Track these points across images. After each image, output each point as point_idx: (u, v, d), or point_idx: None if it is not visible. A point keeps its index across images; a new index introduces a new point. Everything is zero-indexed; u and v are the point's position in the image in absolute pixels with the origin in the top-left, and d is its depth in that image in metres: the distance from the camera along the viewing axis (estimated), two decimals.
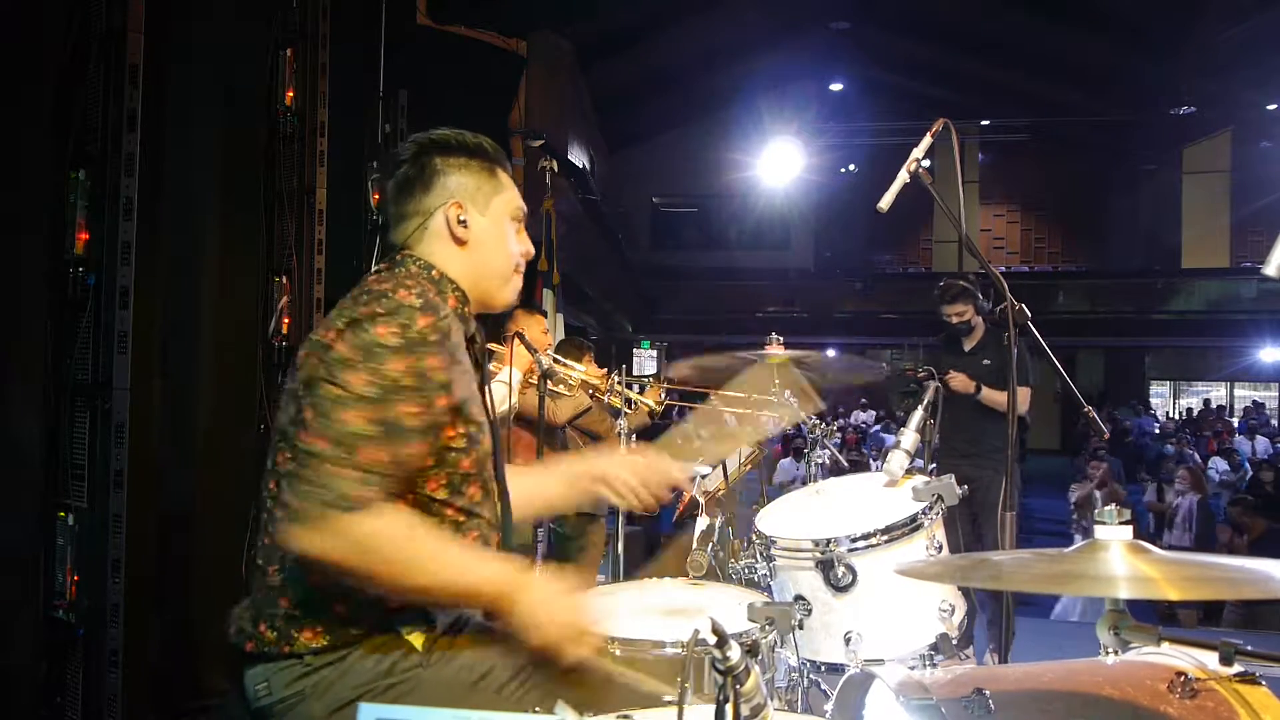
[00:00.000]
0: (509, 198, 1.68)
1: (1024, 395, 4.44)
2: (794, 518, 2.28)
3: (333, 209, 4.16)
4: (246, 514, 3.19)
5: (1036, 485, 12.71)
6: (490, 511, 1.63)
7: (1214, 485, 10.25)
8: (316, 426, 1.40)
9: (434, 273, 1.61)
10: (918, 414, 2.27)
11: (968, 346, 4.62)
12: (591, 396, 3.81)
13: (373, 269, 1.65)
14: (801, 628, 2.06)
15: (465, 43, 5.99)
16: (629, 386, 3.65)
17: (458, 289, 1.63)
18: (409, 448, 1.44)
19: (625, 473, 1.79)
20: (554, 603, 1.49)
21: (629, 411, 3.61)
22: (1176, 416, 19.38)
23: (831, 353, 14.41)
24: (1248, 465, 11.47)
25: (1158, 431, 14.85)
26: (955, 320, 4.57)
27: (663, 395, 3.73)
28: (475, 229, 1.63)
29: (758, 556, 2.16)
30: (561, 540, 4.33)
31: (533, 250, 1.74)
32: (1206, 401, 19.57)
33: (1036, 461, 13.32)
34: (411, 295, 1.48)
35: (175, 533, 3.28)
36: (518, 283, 1.72)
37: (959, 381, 4.36)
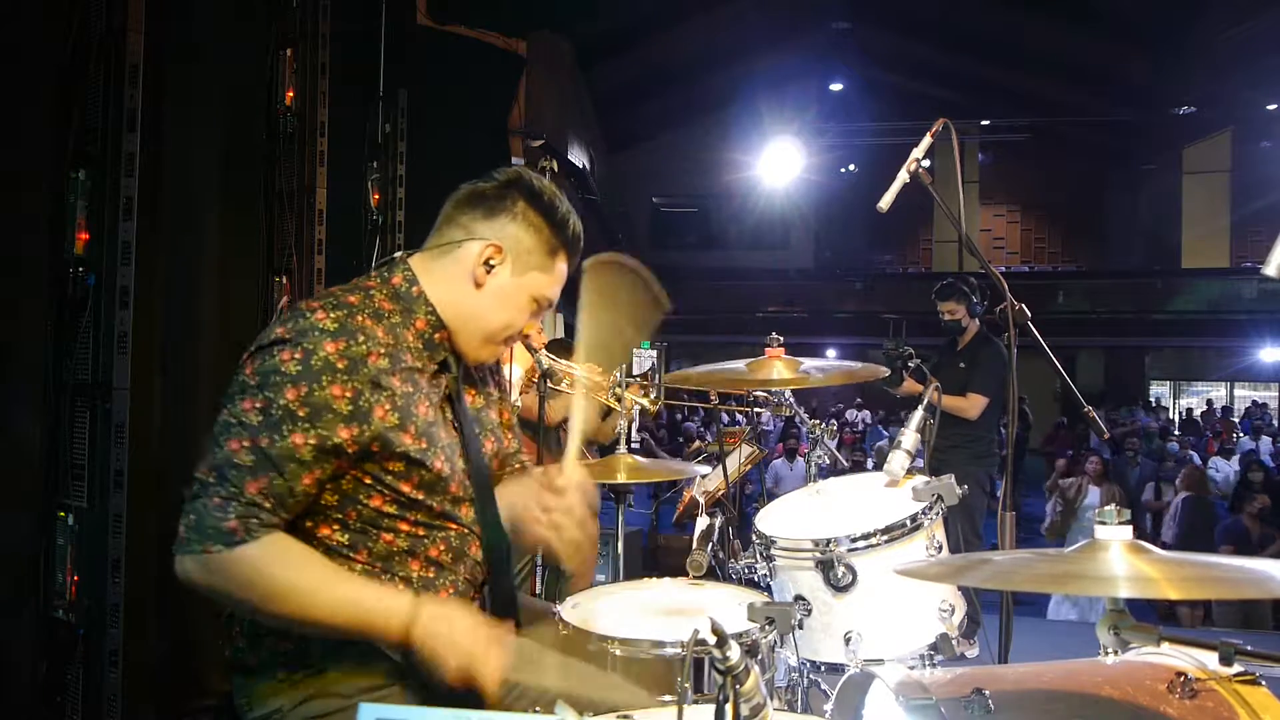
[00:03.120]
0: (548, 282, 1.61)
1: (976, 402, 4.49)
2: (794, 518, 2.28)
3: (333, 209, 4.16)
4: None
5: (1034, 486, 12.70)
6: (463, 526, 1.57)
7: (1217, 486, 10.23)
8: (208, 455, 1.39)
9: (414, 289, 1.55)
10: (918, 414, 2.27)
11: (959, 346, 4.72)
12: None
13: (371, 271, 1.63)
14: (801, 628, 2.06)
15: (465, 43, 5.99)
16: (629, 387, 3.64)
17: (433, 314, 1.56)
18: (296, 480, 1.39)
19: (534, 506, 1.61)
20: (452, 632, 1.41)
21: (623, 411, 3.61)
22: (1174, 418, 19.39)
23: (831, 353, 14.46)
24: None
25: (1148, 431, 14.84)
26: (947, 318, 4.67)
27: (656, 396, 3.72)
28: (496, 281, 1.57)
29: (758, 556, 2.16)
30: None
31: (532, 334, 1.70)
32: (1209, 402, 19.57)
33: (1036, 462, 13.32)
34: (329, 319, 1.43)
35: (175, 533, 3.27)
36: (497, 352, 1.67)
37: (907, 385, 4.44)
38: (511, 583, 1.71)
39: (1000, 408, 4.63)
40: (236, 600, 1.38)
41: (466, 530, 1.58)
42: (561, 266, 1.63)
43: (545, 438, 4.03)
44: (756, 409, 4.31)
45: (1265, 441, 14.04)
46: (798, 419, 2.62)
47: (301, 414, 1.38)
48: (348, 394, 1.41)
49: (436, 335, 1.57)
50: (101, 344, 2.80)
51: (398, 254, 1.62)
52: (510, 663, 1.45)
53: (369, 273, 1.61)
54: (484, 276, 1.56)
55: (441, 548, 1.55)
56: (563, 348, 4.06)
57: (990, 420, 4.63)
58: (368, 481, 1.47)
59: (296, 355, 1.40)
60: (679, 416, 14.41)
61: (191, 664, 3.23)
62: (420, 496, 1.51)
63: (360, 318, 1.46)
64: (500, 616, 1.63)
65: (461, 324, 1.58)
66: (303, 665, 1.47)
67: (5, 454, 2.70)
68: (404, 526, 1.51)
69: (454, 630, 1.41)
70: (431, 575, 1.54)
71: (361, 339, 1.44)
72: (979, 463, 4.54)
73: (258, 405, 1.38)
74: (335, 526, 1.48)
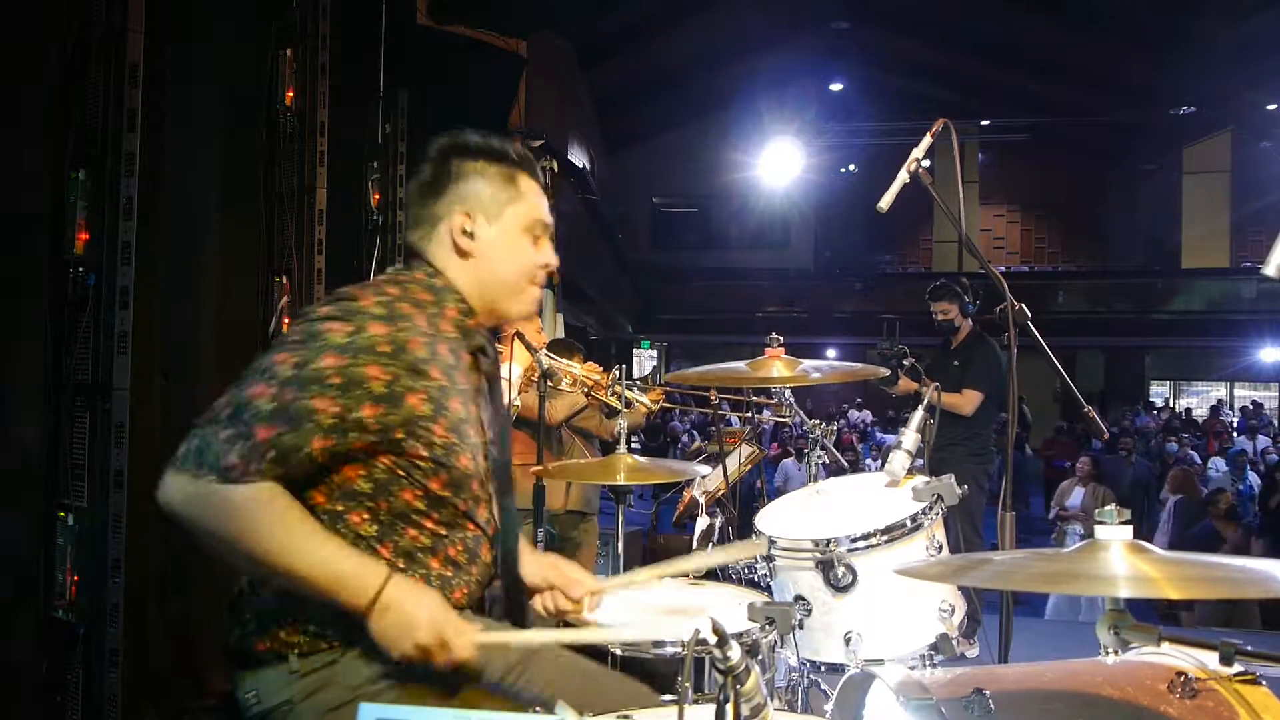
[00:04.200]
0: (526, 207, 1.60)
1: (971, 398, 4.53)
2: (794, 518, 2.28)
3: (333, 209, 4.16)
4: None
5: (1032, 486, 12.71)
6: (479, 527, 1.58)
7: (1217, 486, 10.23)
8: (230, 391, 1.39)
9: (437, 281, 1.57)
10: (918, 414, 2.27)
11: (952, 346, 4.77)
12: (587, 395, 3.81)
13: (388, 270, 1.63)
14: (801, 628, 2.06)
15: (465, 43, 5.99)
16: (629, 388, 3.65)
17: (461, 299, 1.58)
18: (307, 441, 1.38)
19: (547, 600, 1.67)
20: (415, 608, 1.40)
21: (626, 411, 3.61)
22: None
23: (831, 353, 14.46)
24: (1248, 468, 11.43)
25: (1144, 430, 14.84)
26: (940, 318, 4.73)
27: (655, 395, 3.73)
28: (483, 240, 1.57)
29: (758, 556, 2.16)
30: (553, 540, 4.32)
31: (555, 261, 1.66)
32: (1219, 401, 19.55)
33: (1034, 462, 13.33)
34: (375, 304, 1.45)
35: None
36: (534, 294, 1.65)
37: (902, 384, 4.48)
38: (523, 588, 1.70)
39: (995, 404, 4.69)
40: (211, 534, 1.36)
41: (480, 532, 1.59)
42: (526, 183, 1.61)
43: (546, 436, 4.03)
44: (757, 414, 4.31)
45: (1263, 441, 14.02)
46: (798, 420, 2.62)
47: (333, 381, 1.39)
48: (385, 376, 1.42)
49: (470, 321, 1.59)
50: (101, 344, 2.80)
51: (389, 269, 1.64)
52: (479, 651, 1.44)
53: (391, 272, 1.61)
54: (469, 244, 1.57)
55: (459, 547, 1.56)
56: (564, 347, 4.06)
57: (986, 417, 4.68)
58: (400, 474, 1.47)
59: (346, 328, 1.41)
60: (666, 417, 14.36)
61: (191, 664, 3.23)
62: (448, 494, 1.52)
63: (404, 306, 1.48)
64: (513, 622, 1.65)
65: (481, 293, 1.60)
66: (313, 656, 1.46)
67: (5, 454, 2.70)
68: (429, 524, 1.51)
69: (421, 607, 1.40)
70: (449, 574, 1.54)
71: (406, 326, 1.46)
72: (976, 460, 4.57)
73: (293, 360, 1.39)
74: (366, 515, 1.47)
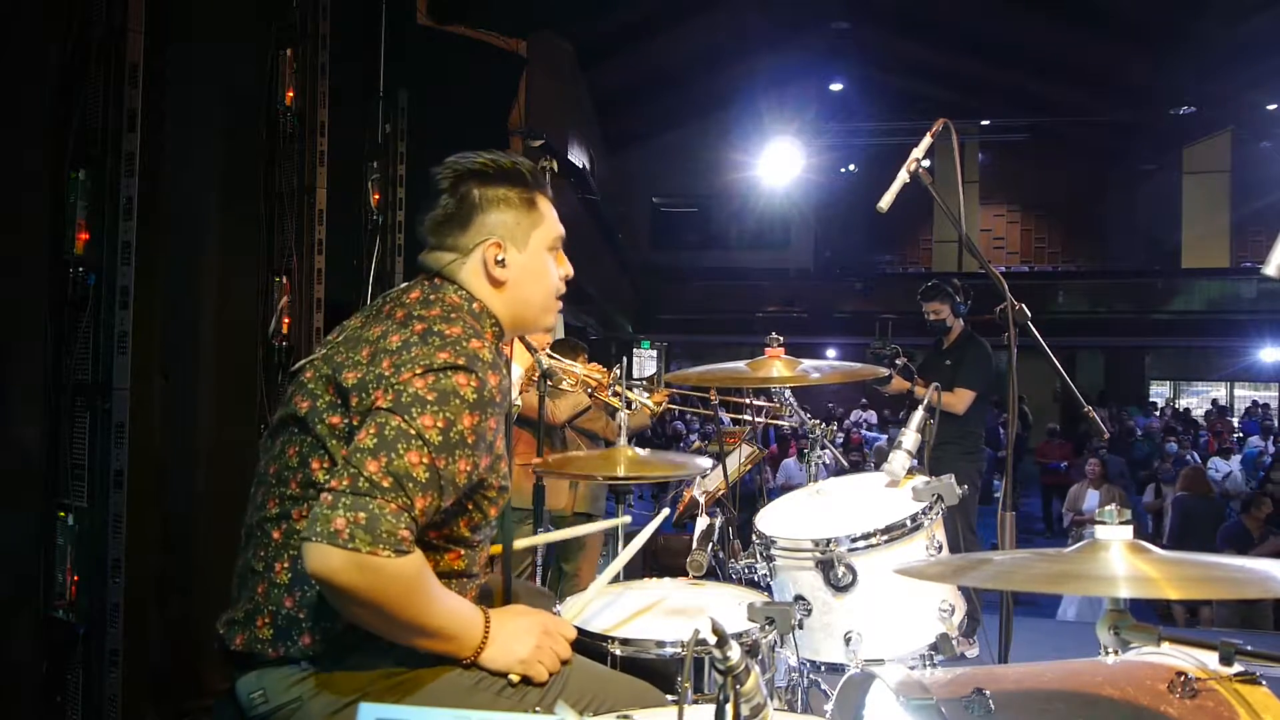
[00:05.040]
0: (548, 228, 1.64)
1: (963, 397, 4.59)
2: (794, 518, 2.28)
3: (333, 209, 4.16)
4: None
5: (1030, 486, 12.71)
6: (490, 539, 1.65)
7: (1218, 486, 10.23)
8: (381, 458, 1.34)
9: (475, 305, 1.59)
10: (918, 414, 2.27)
11: (944, 346, 4.86)
12: (590, 395, 3.81)
13: (412, 286, 1.61)
14: (801, 628, 2.06)
15: (465, 43, 5.99)
16: (631, 388, 3.65)
17: (496, 323, 1.61)
18: (447, 501, 1.42)
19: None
20: (513, 627, 1.53)
21: (629, 411, 3.61)
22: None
23: (831, 353, 14.46)
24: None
25: (1140, 433, 14.82)
26: (932, 318, 4.81)
27: (658, 395, 3.72)
28: (514, 268, 1.60)
29: (758, 556, 2.16)
30: (557, 542, 4.33)
31: (572, 272, 1.70)
32: (1214, 402, 19.56)
33: (1029, 463, 13.33)
34: (484, 348, 1.47)
35: (175, 533, 3.28)
36: (557, 307, 1.71)
37: (895, 384, 4.56)
38: (512, 581, 1.76)
39: (987, 403, 4.79)
40: (371, 604, 1.35)
41: (493, 535, 1.65)
42: (543, 202, 1.65)
43: (548, 435, 4.04)
44: (757, 415, 4.32)
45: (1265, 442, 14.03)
46: (798, 420, 2.62)
47: (470, 441, 1.42)
48: (496, 425, 1.48)
49: (499, 344, 1.62)
50: (101, 344, 2.80)
51: (422, 287, 1.60)
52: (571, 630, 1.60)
53: (422, 289, 1.59)
54: (502, 273, 1.59)
55: (482, 557, 1.62)
56: (568, 348, 4.07)
57: (978, 416, 4.76)
58: (469, 506, 1.52)
59: (473, 383, 1.42)
60: (668, 416, 14.41)
61: (191, 664, 3.23)
62: (496, 518, 1.59)
63: (488, 348, 1.50)
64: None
65: (514, 316, 1.64)
66: (325, 658, 1.47)
67: (5, 454, 2.70)
68: (470, 546, 1.57)
69: (520, 624, 1.53)
70: (465, 581, 1.59)
71: (505, 372, 1.52)
72: (970, 459, 4.64)
73: (439, 425, 1.38)
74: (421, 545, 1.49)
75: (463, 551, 1.56)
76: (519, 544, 1.96)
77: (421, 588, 1.40)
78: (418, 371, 1.41)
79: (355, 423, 1.43)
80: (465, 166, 1.59)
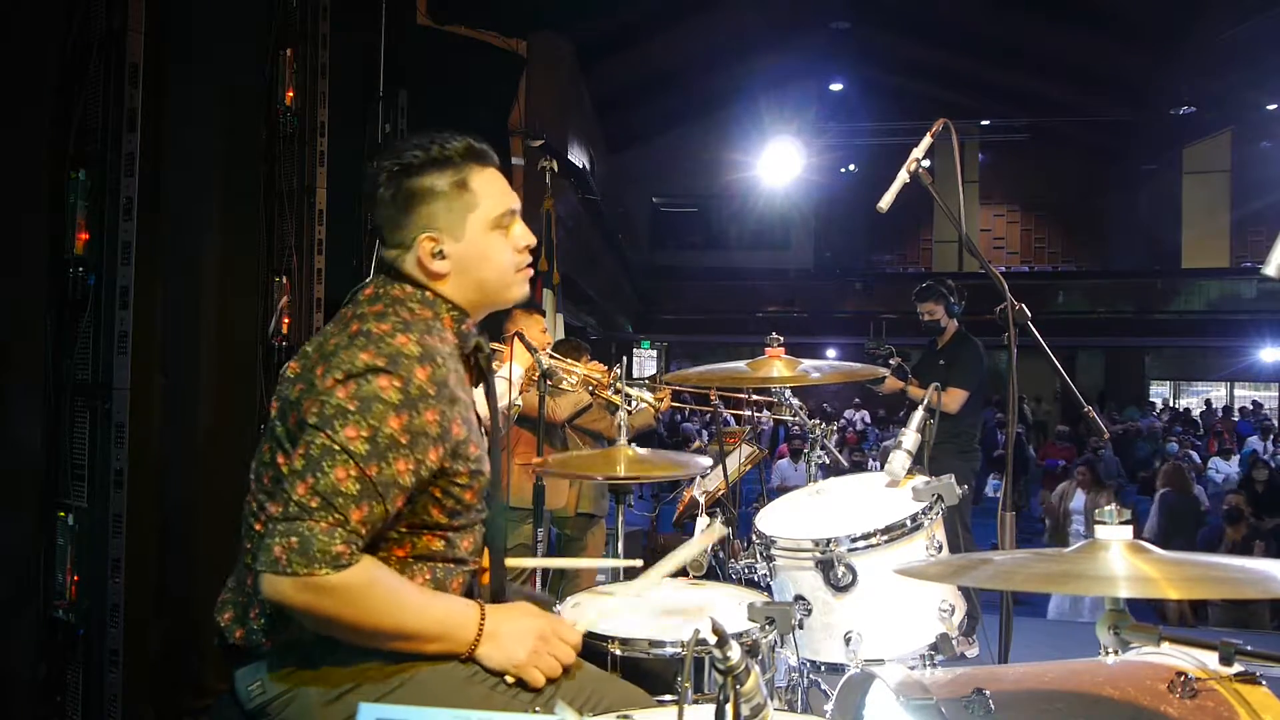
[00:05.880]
0: (487, 207, 1.58)
1: (955, 396, 4.63)
2: (794, 518, 2.28)
3: (333, 209, 4.16)
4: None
5: (1029, 486, 12.68)
6: (480, 521, 1.64)
7: (1217, 487, 10.24)
8: (309, 479, 1.37)
9: (427, 294, 1.58)
10: (918, 414, 2.27)
11: (939, 346, 4.93)
12: (591, 394, 3.82)
13: (368, 283, 1.61)
14: (801, 628, 2.06)
15: (465, 43, 5.99)
16: (634, 387, 3.66)
17: (453, 307, 1.59)
18: (394, 504, 1.43)
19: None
20: (515, 626, 1.52)
21: (633, 410, 3.62)
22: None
23: (831, 353, 14.46)
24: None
25: (1144, 433, 14.81)
26: (926, 318, 4.89)
27: (661, 394, 3.73)
28: (454, 258, 1.57)
29: (758, 556, 2.16)
30: (563, 541, 4.33)
31: (534, 239, 1.65)
32: (1208, 402, 19.56)
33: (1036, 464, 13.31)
34: (411, 341, 1.46)
35: (175, 533, 3.28)
36: (523, 278, 1.66)
37: (889, 383, 4.63)
38: (504, 572, 1.74)
39: (980, 402, 4.88)
40: (333, 620, 1.39)
41: (479, 525, 1.63)
42: (479, 178, 1.58)
43: (548, 434, 4.04)
44: (756, 412, 4.32)
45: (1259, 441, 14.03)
46: (798, 420, 2.62)
47: (404, 441, 1.42)
48: (436, 417, 1.46)
49: (464, 325, 1.61)
50: (101, 344, 2.80)
51: (374, 283, 1.60)
52: (577, 635, 1.58)
53: (375, 285, 1.60)
54: (442, 265, 1.56)
55: (466, 544, 1.60)
56: (570, 348, 4.08)
57: (972, 415, 4.81)
58: (438, 495, 1.52)
59: (395, 384, 1.42)
60: (678, 417, 14.43)
61: (191, 664, 3.23)
62: (474, 502, 1.57)
63: (430, 338, 1.50)
64: (496, 599, 1.69)
65: (474, 301, 1.61)
66: (318, 647, 1.47)
67: (5, 454, 2.70)
68: (448, 530, 1.56)
69: (520, 624, 1.52)
70: (452, 567, 1.58)
71: (440, 361, 1.49)
72: (964, 458, 4.69)
73: (364, 434, 1.39)
74: (389, 531, 1.50)
75: (441, 535, 1.55)
76: (511, 563, 1.94)
77: (378, 595, 1.41)
78: (339, 378, 1.42)
79: (288, 431, 1.47)
80: (396, 162, 1.56)
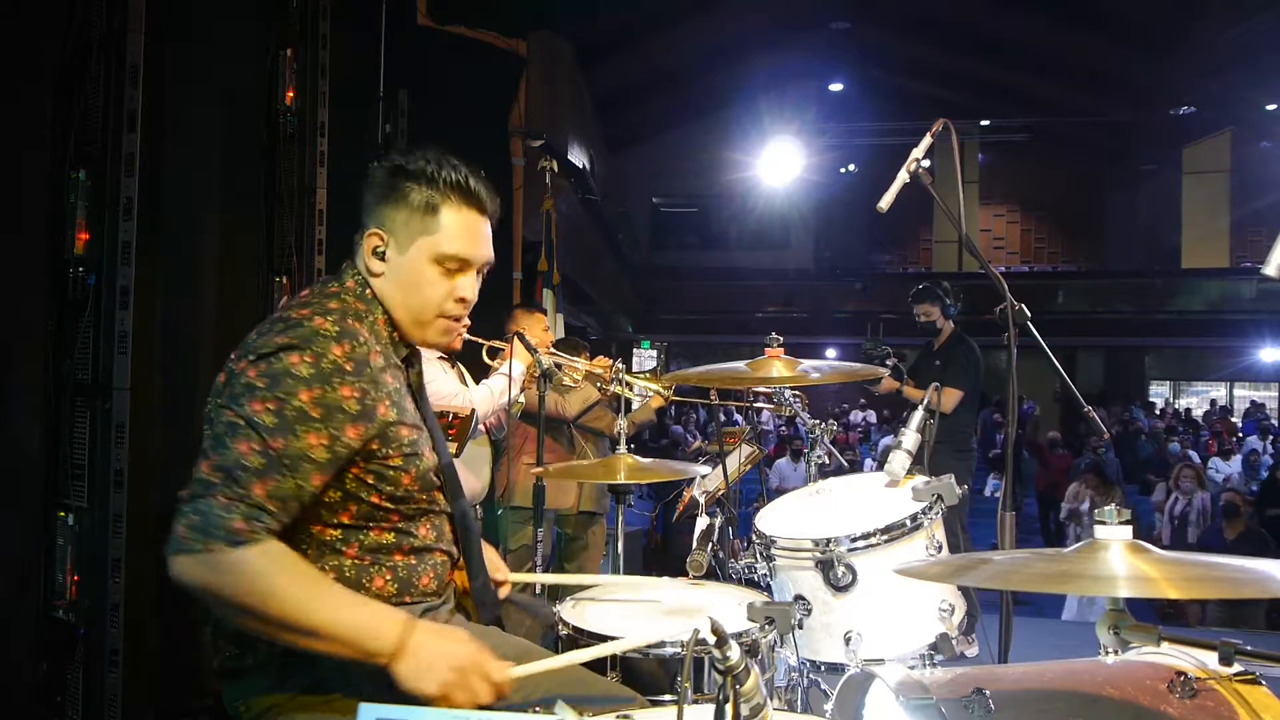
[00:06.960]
0: (439, 240, 1.55)
1: (951, 396, 4.67)
2: (794, 518, 2.28)
3: (333, 209, 4.16)
4: None
5: (1028, 487, 12.66)
6: (439, 515, 1.62)
7: (1214, 486, 10.23)
8: (212, 456, 1.37)
9: (368, 291, 1.58)
10: (918, 414, 2.27)
11: (935, 347, 4.99)
12: (599, 389, 3.83)
13: (324, 279, 1.64)
14: (801, 628, 2.06)
15: (465, 43, 5.99)
16: (639, 377, 3.67)
17: (386, 313, 1.59)
18: (307, 480, 1.39)
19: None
20: (437, 650, 1.39)
21: (641, 400, 3.63)
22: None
23: (831, 353, 14.45)
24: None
25: (1145, 435, 14.79)
26: (922, 319, 4.97)
27: (667, 386, 3.74)
28: (389, 265, 1.57)
29: (757, 556, 2.16)
30: (564, 540, 4.34)
31: (472, 300, 1.61)
32: (1213, 402, 19.55)
33: (1031, 463, 13.28)
34: (328, 322, 1.46)
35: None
36: (442, 326, 1.61)
37: (885, 384, 4.70)
38: (482, 559, 1.74)
39: (976, 402, 4.96)
40: (230, 601, 1.33)
41: (441, 512, 1.63)
42: (453, 216, 1.55)
43: (558, 432, 4.05)
44: (756, 408, 4.33)
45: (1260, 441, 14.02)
46: (798, 420, 2.62)
47: (315, 415, 1.40)
48: (355, 394, 1.44)
49: (395, 333, 1.61)
50: (101, 344, 2.80)
51: (327, 278, 1.65)
52: (504, 678, 1.42)
53: (326, 281, 1.63)
54: (378, 264, 1.57)
55: (425, 529, 1.59)
56: (570, 347, 4.08)
57: (968, 415, 4.88)
58: (370, 480, 1.49)
59: (306, 359, 1.41)
60: (667, 420, 14.40)
61: (191, 664, 3.23)
62: (415, 489, 1.55)
63: (350, 321, 1.50)
64: (480, 595, 1.70)
65: (395, 313, 1.60)
66: (295, 662, 1.46)
67: (5, 454, 2.70)
68: (395, 519, 1.54)
69: (445, 647, 1.40)
70: (414, 562, 1.57)
71: (361, 340, 1.48)
72: (960, 457, 4.72)
73: (270, 407, 1.38)
74: (330, 522, 1.49)
75: (389, 526, 1.53)
76: (514, 577, 1.91)
77: (280, 582, 1.34)
78: (251, 359, 1.43)
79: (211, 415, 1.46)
80: (401, 159, 1.58)
